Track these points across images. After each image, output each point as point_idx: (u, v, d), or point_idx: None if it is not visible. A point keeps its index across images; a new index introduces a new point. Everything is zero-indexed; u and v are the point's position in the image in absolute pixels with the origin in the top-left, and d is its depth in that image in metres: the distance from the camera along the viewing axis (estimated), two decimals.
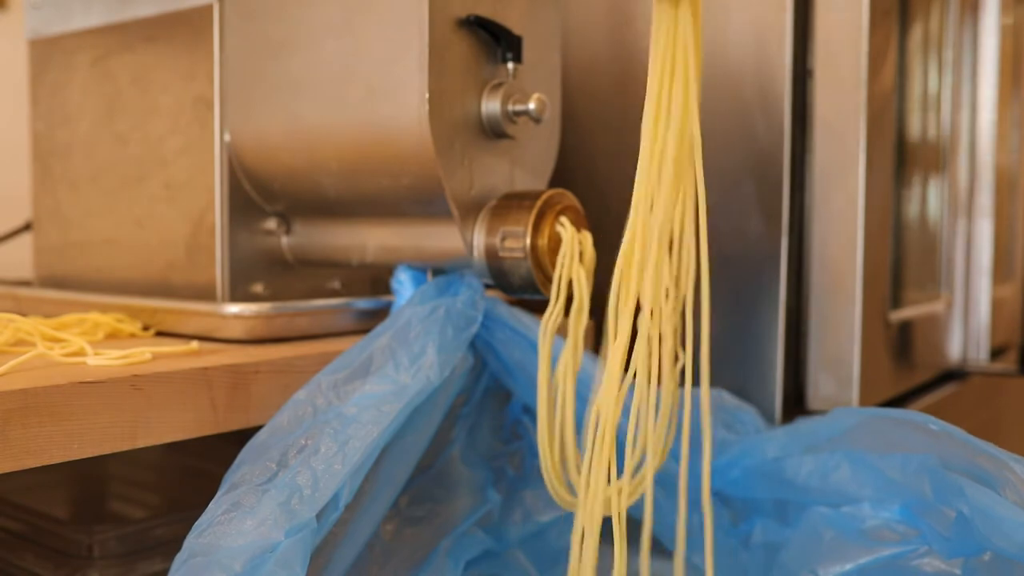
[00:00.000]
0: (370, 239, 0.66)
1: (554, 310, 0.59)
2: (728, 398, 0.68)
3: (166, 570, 0.45)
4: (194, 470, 0.81)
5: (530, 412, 0.68)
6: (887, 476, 0.55)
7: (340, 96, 0.62)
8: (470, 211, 0.62)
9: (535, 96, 0.61)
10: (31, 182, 0.80)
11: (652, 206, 0.54)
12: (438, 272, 0.65)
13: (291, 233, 0.69)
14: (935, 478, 0.53)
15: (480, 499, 0.66)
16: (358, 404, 0.53)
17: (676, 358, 0.57)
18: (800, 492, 0.59)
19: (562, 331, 0.60)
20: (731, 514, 0.63)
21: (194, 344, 0.61)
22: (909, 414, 0.59)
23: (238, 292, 0.67)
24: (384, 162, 0.61)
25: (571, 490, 0.60)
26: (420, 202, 0.62)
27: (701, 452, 0.58)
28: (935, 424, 0.56)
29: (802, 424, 0.62)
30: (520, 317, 0.63)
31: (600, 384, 0.55)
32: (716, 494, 0.64)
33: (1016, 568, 0.49)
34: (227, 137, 0.66)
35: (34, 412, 0.47)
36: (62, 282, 0.78)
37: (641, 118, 0.56)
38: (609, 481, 0.55)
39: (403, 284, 0.64)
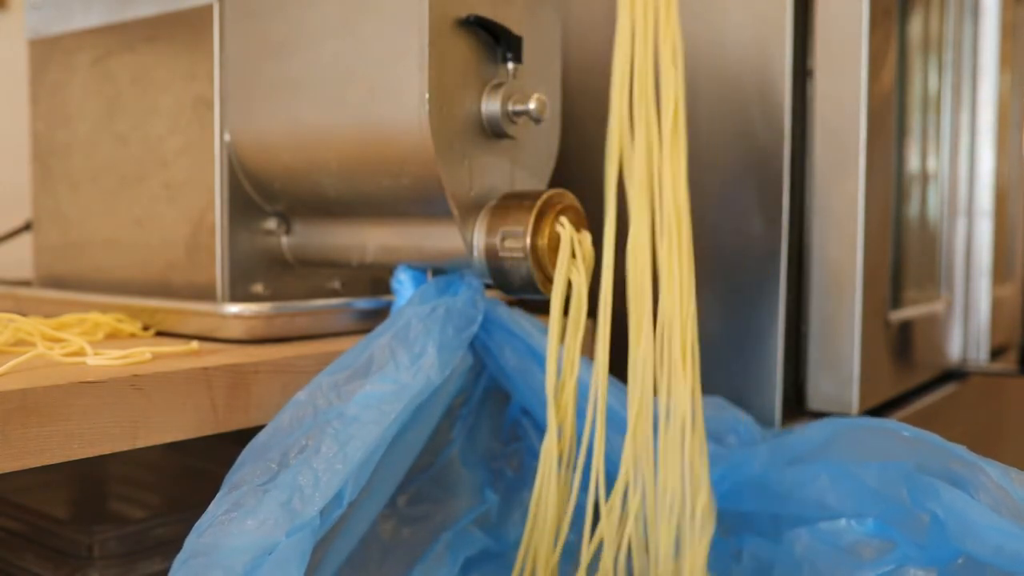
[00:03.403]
0: (370, 239, 0.66)
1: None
2: (726, 406, 0.68)
3: (166, 570, 0.45)
4: (194, 470, 0.81)
5: (529, 414, 0.68)
6: (866, 485, 0.56)
7: (340, 96, 0.62)
8: (470, 211, 0.62)
9: (535, 96, 0.61)
10: (31, 182, 0.80)
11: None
12: (438, 272, 0.65)
13: (291, 233, 0.70)
14: (911, 483, 0.53)
15: (478, 499, 0.66)
16: (359, 404, 0.53)
17: None
18: (784, 504, 0.59)
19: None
20: (722, 527, 0.64)
21: (194, 344, 0.61)
22: (884, 422, 0.60)
23: (238, 292, 0.67)
24: (384, 162, 0.61)
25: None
26: (420, 202, 0.62)
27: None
28: (908, 431, 0.57)
29: (786, 436, 0.62)
30: (519, 320, 0.63)
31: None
32: None
33: (989, 572, 0.49)
34: (227, 137, 0.66)
35: (34, 412, 0.47)
36: (62, 282, 0.78)
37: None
38: None
39: (403, 284, 0.64)
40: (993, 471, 0.51)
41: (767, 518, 0.61)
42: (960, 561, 0.50)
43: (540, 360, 0.62)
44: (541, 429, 0.67)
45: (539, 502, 0.59)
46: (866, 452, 0.57)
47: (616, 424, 0.62)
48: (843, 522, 0.56)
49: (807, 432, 0.61)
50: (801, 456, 0.60)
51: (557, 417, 0.59)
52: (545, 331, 0.62)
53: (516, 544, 0.67)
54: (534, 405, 0.64)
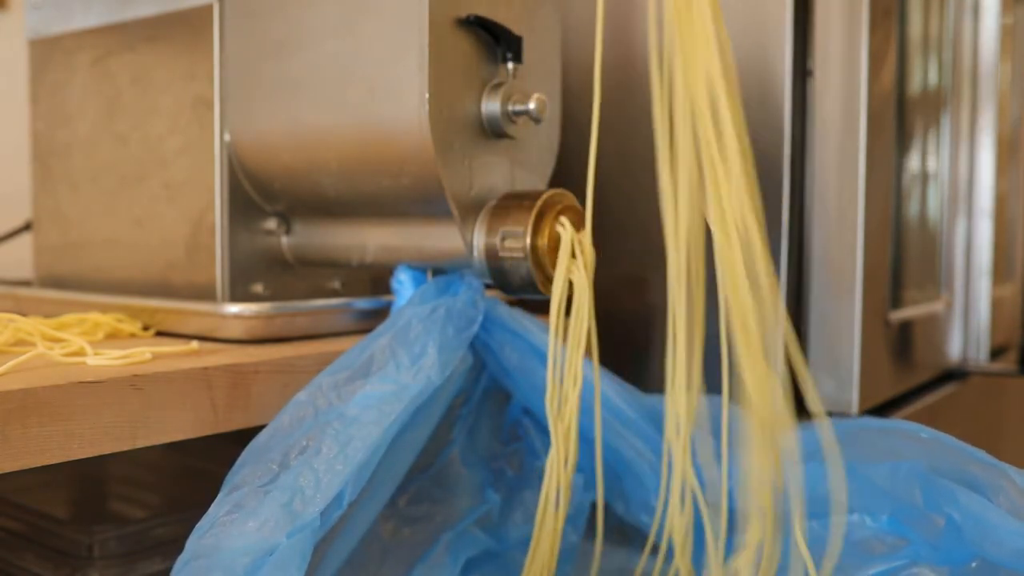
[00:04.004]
0: (370, 239, 0.66)
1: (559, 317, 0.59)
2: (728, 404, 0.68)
3: (166, 570, 0.45)
4: (194, 470, 0.81)
5: (530, 414, 0.68)
6: (876, 484, 0.55)
7: (340, 96, 0.62)
8: (470, 211, 0.62)
9: (535, 96, 0.61)
10: (31, 182, 0.80)
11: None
12: (438, 272, 0.65)
13: (291, 233, 0.69)
14: (925, 484, 0.53)
15: (479, 499, 0.66)
16: (359, 404, 0.53)
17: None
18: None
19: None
20: (725, 525, 0.63)
21: (194, 344, 0.61)
22: (899, 423, 0.59)
23: (238, 292, 0.67)
24: (384, 162, 0.61)
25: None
26: (420, 202, 0.62)
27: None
28: (925, 432, 0.57)
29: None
30: (519, 319, 0.63)
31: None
32: (713, 505, 0.64)
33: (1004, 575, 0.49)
34: (227, 137, 0.66)
35: (34, 412, 0.47)
36: (62, 282, 0.77)
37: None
38: None
39: (403, 284, 0.64)
40: (1017, 476, 0.51)
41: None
42: (974, 564, 0.50)
43: (541, 358, 0.62)
44: (542, 428, 0.67)
45: (543, 516, 0.59)
46: (877, 452, 0.57)
47: (628, 426, 0.62)
48: (855, 517, 0.56)
49: (815, 431, 0.61)
50: (810, 455, 0.60)
51: (560, 428, 0.59)
52: (546, 329, 0.62)
53: (517, 544, 0.67)
54: (536, 404, 0.64)
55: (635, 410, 0.63)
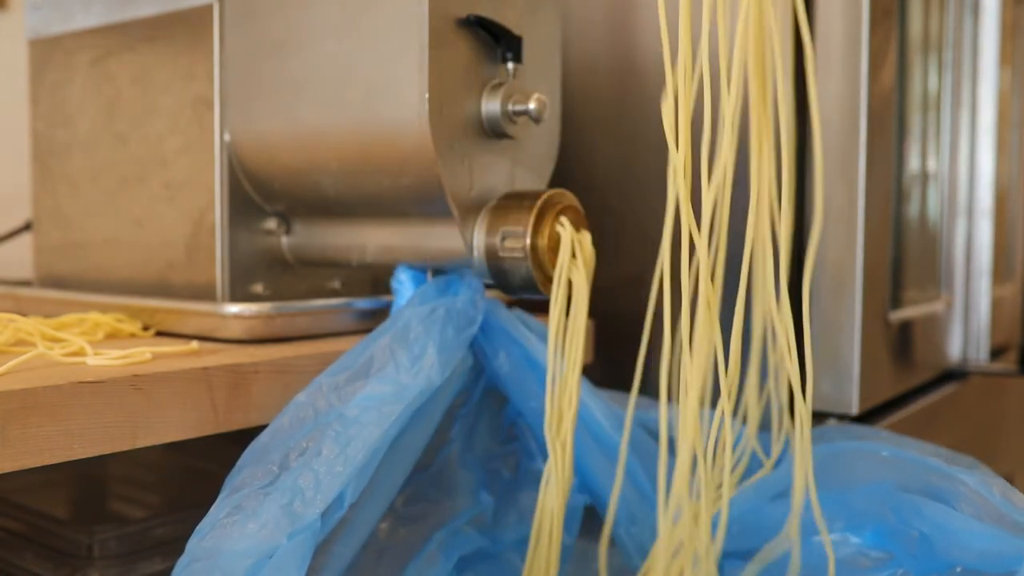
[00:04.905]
0: (370, 239, 0.66)
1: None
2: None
3: (166, 570, 0.45)
4: (194, 470, 0.81)
5: (525, 415, 0.68)
6: (855, 508, 0.56)
7: (340, 96, 0.62)
8: (470, 211, 0.62)
9: (535, 96, 0.61)
10: (31, 182, 0.80)
11: None
12: (438, 272, 0.65)
13: (291, 233, 0.69)
14: (894, 503, 0.54)
15: (473, 501, 0.66)
16: (359, 406, 0.53)
17: None
18: (773, 536, 0.59)
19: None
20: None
21: (194, 344, 0.61)
22: (864, 445, 0.60)
23: (238, 292, 0.67)
24: (384, 162, 0.61)
25: None
26: (420, 202, 0.62)
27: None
28: (887, 450, 0.58)
29: (767, 478, 0.62)
30: (518, 324, 0.63)
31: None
32: None
33: None
34: (227, 137, 0.66)
35: (34, 412, 0.47)
36: (62, 282, 0.78)
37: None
38: None
39: (403, 284, 0.64)
40: (970, 479, 0.52)
41: (755, 553, 0.61)
42: (959, 570, 0.51)
43: (535, 366, 0.62)
44: (536, 430, 0.67)
45: (539, 530, 0.60)
46: (850, 477, 0.58)
47: (603, 447, 0.63)
48: (838, 535, 0.57)
49: (788, 466, 0.61)
50: (785, 491, 0.60)
51: (558, 445, 0.59)
52: (544, 336, 0.62)
53: (512, 545, 0.67)
54: (527, 410, 0.64)
55: (614, 427, 0.64)
